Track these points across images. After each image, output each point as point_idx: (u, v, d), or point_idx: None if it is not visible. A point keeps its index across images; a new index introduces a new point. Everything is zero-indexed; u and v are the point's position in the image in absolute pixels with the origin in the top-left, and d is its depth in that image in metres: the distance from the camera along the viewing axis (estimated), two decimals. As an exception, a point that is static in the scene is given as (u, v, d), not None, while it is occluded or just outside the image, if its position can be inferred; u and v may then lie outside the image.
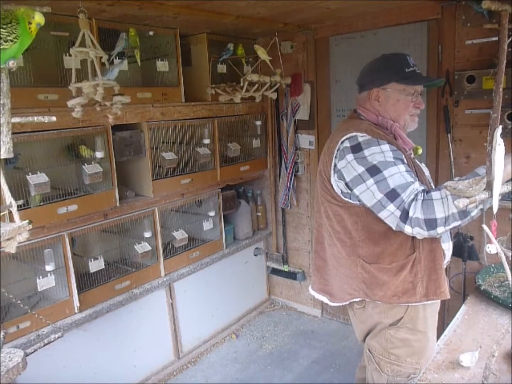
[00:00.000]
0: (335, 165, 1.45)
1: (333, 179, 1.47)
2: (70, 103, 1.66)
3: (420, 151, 1.55)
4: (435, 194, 1.27)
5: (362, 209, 1.44)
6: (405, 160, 1.39)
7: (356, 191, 1.39)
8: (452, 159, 2.34)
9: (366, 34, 2.57)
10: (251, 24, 2.40)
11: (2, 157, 1.00)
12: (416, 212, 1.27)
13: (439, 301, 1.55)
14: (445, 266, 1.54)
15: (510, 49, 1.92)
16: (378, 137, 1.40)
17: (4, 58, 0.96)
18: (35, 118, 1.10)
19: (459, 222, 1.25)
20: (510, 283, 1.07)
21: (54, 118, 1.14)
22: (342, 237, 1.52)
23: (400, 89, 1.49)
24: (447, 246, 1.54)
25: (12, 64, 0.97)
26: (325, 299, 1.66)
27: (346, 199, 1.46)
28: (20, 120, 1.06)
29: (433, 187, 1.53)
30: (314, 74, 2.85)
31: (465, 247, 2.35)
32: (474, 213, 1.24)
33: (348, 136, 1.42)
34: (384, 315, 1.53)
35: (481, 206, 1.21)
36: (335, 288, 1.62)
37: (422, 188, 1.33)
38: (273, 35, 2.72)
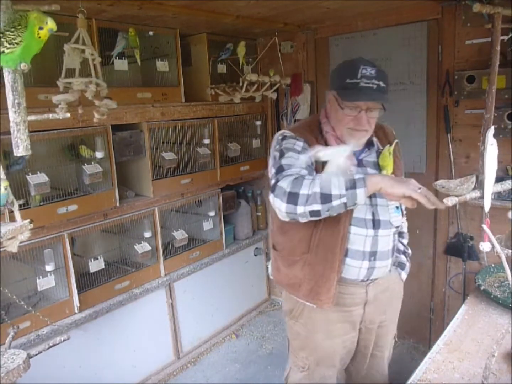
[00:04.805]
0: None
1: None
2: (55, 98, 1.60)
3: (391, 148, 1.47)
4: (308, 176, 1.29)
5: None
6: (312, 159, 1.37)
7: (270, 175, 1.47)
8: (452, 159, 2.34)
9: (366, 34, 2.57)
10: (251, 24, 2.40)
11: (20, 154, 1.02)
12: (284, 182, 1.26)
13: (342, 310, 1.54)
14: (361, 282, 1.52)
15: (510, 49, 1.93)
16: (302, 136, 1.45)
17: (14, 61, 0.99)
18: (50, 115, 1.11)
19: (319, 206, 1.20)
20: (510, 283, 1.08)
21: (68, 115, 1.18)
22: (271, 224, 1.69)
23: (335, 99, 1.44)
24: (359, 264, 1.49)
25: (23, 66, 1.01)
26: None
27: None
28: (36, 118, 1.06)
29: None
30: (314, 74, 2.85)
31: (465, 247, 2.35)
32: (336, 203, 1.19)
33: (281, 132, 1.53)
34: (284, 300, 1.70)
35: (344, 200, 1.17)
36: None
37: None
38: (273, 35, 2.72)
